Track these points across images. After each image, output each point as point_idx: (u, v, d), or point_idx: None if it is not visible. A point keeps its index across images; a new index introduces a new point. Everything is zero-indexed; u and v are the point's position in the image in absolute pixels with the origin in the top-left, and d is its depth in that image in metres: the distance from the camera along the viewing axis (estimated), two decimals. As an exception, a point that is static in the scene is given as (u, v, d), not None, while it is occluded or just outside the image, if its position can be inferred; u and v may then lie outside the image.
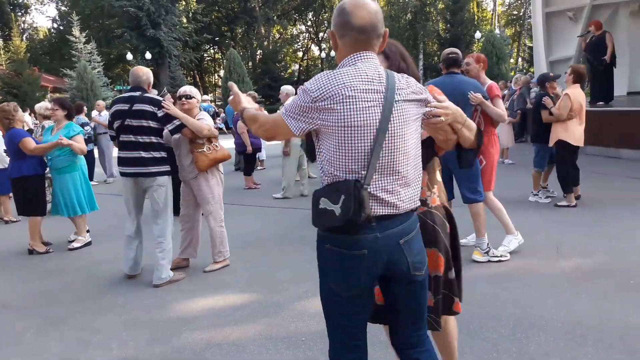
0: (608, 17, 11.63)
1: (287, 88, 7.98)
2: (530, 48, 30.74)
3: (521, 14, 41.38)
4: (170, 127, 4.28)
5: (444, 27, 35.51)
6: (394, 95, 1.73)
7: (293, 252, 5.16)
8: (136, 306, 4.00)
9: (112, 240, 5.91)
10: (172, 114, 4.24)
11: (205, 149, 4.43)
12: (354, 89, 1.69)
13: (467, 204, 4.44)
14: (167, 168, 4.40)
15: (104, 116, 10.66)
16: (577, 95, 5.67)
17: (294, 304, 3.85)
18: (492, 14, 41.70)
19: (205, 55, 47.41)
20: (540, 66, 13.22)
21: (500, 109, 4.38)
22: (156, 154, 4.32)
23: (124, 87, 28.32)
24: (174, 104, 4.79)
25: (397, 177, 1.75)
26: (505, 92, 13.15)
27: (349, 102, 1.68)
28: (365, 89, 1.71)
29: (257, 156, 9.39)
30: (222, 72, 52.77)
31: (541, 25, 12.63)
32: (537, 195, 6.60)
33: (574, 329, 3.14)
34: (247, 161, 8.86)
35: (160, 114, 4.23)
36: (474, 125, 2.00)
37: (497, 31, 25.20)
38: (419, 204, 1.88)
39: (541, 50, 13.03)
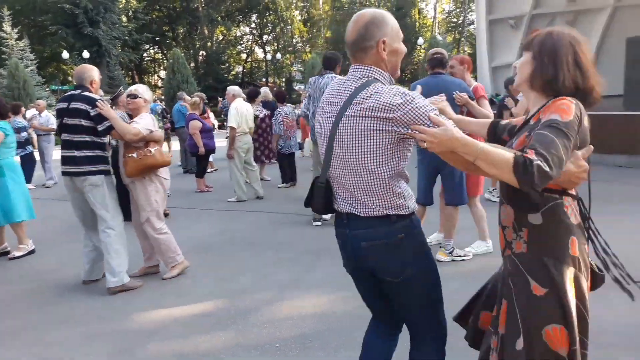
0: (546, 25, 12.16)
1: (233, 89, 7.85)
2: (470, 55, 31.95)
3: (460, 21, 42.91)
4: (100, 127, 4.12)
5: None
6: (346, 110, 1.82)
7: (254, 256, 5.05)
8: (94, 317, 3.77)
9: (58, 246, 5.57)
10: (104, 114, 4.07)
11: (135, 154, 4.18)
12: (324, 101, 1.96)
13: (447, 205, 4.51)
14: (100, 167, 4.17)
15: (45, 117, 10.07)
16: None
17: (263, 310, 3.76)
18: (433, 21, 42.93)
19: (144, 55, 46.04)
20: (483, 72, 13.72)
21: (486, 109, 4.37)
22: (89, 153, 4.14)
23: (60, 87, 26.96)
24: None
25: (346, 185, 1.90)
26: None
27: (320, 111, 2.00)
28: (330, 101, 1.92)
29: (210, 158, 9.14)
30: (162, 73, 51.78)
31: (484, 32, 13.12)
32: (492, 193, 6.80)
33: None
34: (199, 163, 8.61)
35: (93, 113, 4.08)
36: (498, 158, 1.56)
37: (439, 37, 25.88)
38: (388, 212, 1.86)
39: (484, 56, 13.52)
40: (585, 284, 1.74)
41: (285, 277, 4.41)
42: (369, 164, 1.82)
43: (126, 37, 32.70)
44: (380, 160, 1.81)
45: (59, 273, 4.76)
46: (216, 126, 11.62)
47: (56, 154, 10.28)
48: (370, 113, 1.77)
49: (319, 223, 6.07)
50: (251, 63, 51.31)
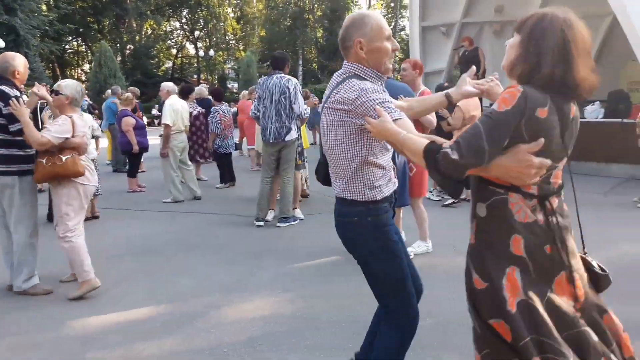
0: (475, 34, 12.77)
1: (168, 85, 7.67)
2: (402, 59, 32.80)
3: (391, 26, 44.00)
4: (12, 128, 3.80)
5: (321, 34, 36.48)
6: (326, 102, 2.10)
7: (194, 258, 4.90)
8: (22, 326, 3.51)
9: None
10: (16, 114, 3.73)
11: (44, 160, 3.83)
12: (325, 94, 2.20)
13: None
14: (14, 168, 3.87)
15: None
16: (468, 105, 6.07)
17: (208, 314, 3.65)
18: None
19: (67, 47, 43.59)
20: (416, 77, 14.10)
21: (430, 115, 4.45)
22: (3, 151, 3.83)
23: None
24: None
25: (330, 167, 2.21)
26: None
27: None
28: (325, 93, 2.17)
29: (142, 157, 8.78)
30: (86, 66, 49.31)
31: (417, 38, 13.49)
32: (432, 192, 7.01)
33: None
34: (131, 162, 8.26)
35: (5, 110, 3.77)
36: (414, 147, 1.72)
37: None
38: (349, 196, 2.11)
39: (417, 62, 13.91)
40: (530, 282, 1.65)
41: (228, 279, 4.32)
42: (337, 151, 2.09)
43: (47, 27, 30.71)
44: (345, 148, 2.05)
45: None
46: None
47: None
48: (336, 106, 2.03)
49: (262, 223, 6.01)
50: (182, 59, 49.93)
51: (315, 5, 36.45)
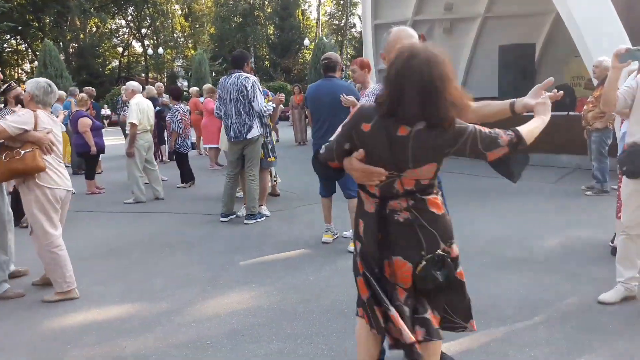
0: (426, 31, 13.19)
1: (132, 84, 7.56)
2: (354, 57, 33.29)
3: (342, 24, 44.46)
4: None
5: (272, 32, 36.42)
6: None
7: (163, 258, 4.92)
8: (5, 328, 3.46)
9: None
10: None
11: (3, 156, 3.72)
12: None
13: (347, 199, 4.78)
14: None
15: None
16: None
17: (186, 309, 3.72)
18: (317, 23, 43.98)
19: (4, 46, 41.58)
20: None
21: None
22: None
23: None
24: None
25: None
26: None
27: None
28: None
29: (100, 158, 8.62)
30: (27, 66, 47.22)
31: (370, 36, 13.78)
32: None
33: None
34: (89, 164, 8.10)
35: None
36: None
37: (325, 40, 26.66)
38: None
39: (371, 59, 14.21)
40: (367, 256, 2.18)
41: (202, 276, 4.38)
42: None
43: (-17, 25, 29.33)
44: None
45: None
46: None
47: None
48: None
49: (226, 219, 6.09)
50: (128, 57, 48.69)
51: (266, 3, 36.33)
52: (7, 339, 3.34)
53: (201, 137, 11.22)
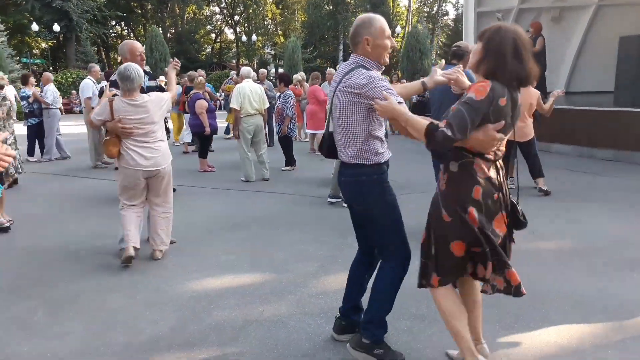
0: (532, 19, 12.65)
1: (242, 70, 8.03)
2: (446, 45, 32.52)
3: (434, 11, 43.48)
4: None
5: (363, 19, 36.24)
6: (338, 86, 2.63)
7: (280, 234, 5.19)
8: (144, 286, 3.86)
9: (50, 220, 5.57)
10: None
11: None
12: (333, 78, 2.78)
13: None
14: None
15: (51, 91, 9.81)
16: (530, 94, 6.29)
17: (311, 282, 3.93)
18: (408, 10, 43.30)
19: (110, 31, 44.67)
20: (469, 62, 14.07)
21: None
22: None
23: (32, 61, 26.00)
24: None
25: (337, 139, 2.74)
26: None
27: (331, 84, 2.76)
28: (334, 79, 2.72)
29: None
30: (130, 50, 50.25)
31: (472, 23, 13.43)
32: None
33: (573, 300, 3.54)
34: (202, 143, 8.63)
35: None
36: (419, 126, 2.33)
37: (420, 27, 26.27)
38: (357, 161, 2.65)
39: (471, 48, 13.86)
40: (483, 217, 2.35)
41: (319, 253, 4.59)
42: (349, 126, 2.61)
43: (96, 12, 31.65)
44: (356, 123, 2.59)
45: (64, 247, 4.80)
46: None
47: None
48: (348, 90, 2.55)
49: (334, 200, 6.32)
50: (220, 44, 50.57)
51: (358, -10, 36.26)
52: (155, 295, 3.72)
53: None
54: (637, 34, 9.51)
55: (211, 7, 49.18)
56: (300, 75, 11.81)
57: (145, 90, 4.40)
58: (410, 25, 39.21)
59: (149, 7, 43.91)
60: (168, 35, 42.10)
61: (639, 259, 4.33)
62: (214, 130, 8.54)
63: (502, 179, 2.42)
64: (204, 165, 8.59)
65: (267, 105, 7.86)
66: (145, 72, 4.56)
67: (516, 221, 2.49)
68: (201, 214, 5.91)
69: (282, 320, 3.30)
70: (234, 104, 7.42)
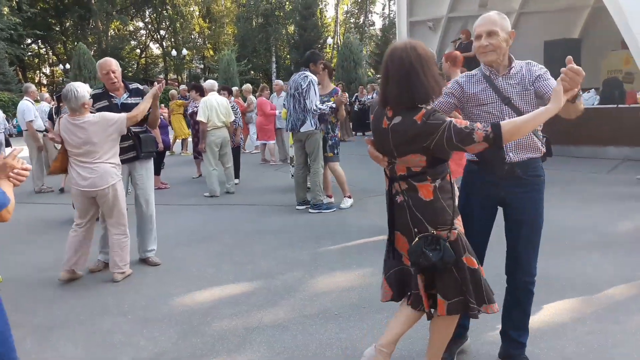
0: (461, 28, 13.40)
1: (206, 84, 8.06)
2: (376, 54, 33.53)
3: (360, 22, 44.69)
4: None
5: (292, 31, 36.74)
6: None
7: (256, 243, 5.23)
8: (132, 305, 3.80)
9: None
10: None
11: None
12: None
13: None
14: None
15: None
16: None
17: (301, 287, 4.02)
18: (335, 22, 44.21)
19: (27, 50, 42.46)
20: (404, 70, 14.68)
21: None
22: None
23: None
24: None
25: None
26: (375, 94, 14.45)
27: None
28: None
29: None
30: (47, 70, 48.01)
31: (405, 33, 14.01)
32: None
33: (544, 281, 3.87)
34: (155, 160, 8.40)
35: None
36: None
37: (351, 38, 26.96)
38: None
39: (405, 56, 14.46)
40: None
41: (301, 258, 4.67)
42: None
43: (11, 31, 30.01)
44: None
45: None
46: None
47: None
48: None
49: (302, 207, 6.49)
50: (146, 59, 49.39)
51: (286, 2, 36.62)
52: (148, 313, 3.66)
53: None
54: (560, 38, 10.37)
55: (135, 22, 47.98)
56: (247, 87, 11.84)
57: (119, 108, 4.39)
58: (338, 36, 40.14)
59: (68, 24, 42.20)
60: (92, 52, 40.63)
61: (595, 242, 4.77)
62: (167, 146, 8.40)
63: (399, 201, 2.35)
64: (157, 182, 8.40)
65: (233, 118, 7.89)
66: (128, 89, 4.52)
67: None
68: (171, 229, 5.83)
69: (283, 325, 3.37)
70: (201, 117, 7.41)
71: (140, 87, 4.78)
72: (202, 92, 8.67)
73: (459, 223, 2.36)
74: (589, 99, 9.89)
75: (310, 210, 6.39)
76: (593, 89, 10.24)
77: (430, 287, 2.33)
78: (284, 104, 6.58)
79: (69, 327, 3.48)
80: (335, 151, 6.63)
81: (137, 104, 4.42)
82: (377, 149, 2.38)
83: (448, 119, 2.18)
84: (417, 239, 2.26)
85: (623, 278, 3.86)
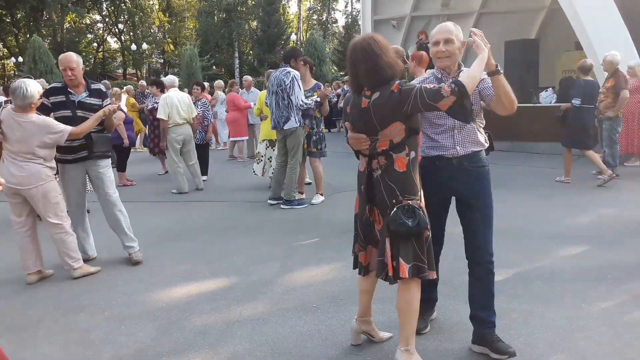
0: (423, 26, 13.70)
1: (166, 80, 7.87)
2: (339, 52, 33.73)
3: (323, 19, 44.80)
4: None
5: (255, 27, 36.51)
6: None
7: (230, 240, 5.24)
8: (107, 303, 3.77)
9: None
10: None
11: None
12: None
13: None
14: None
15: None
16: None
17: (278, 280, 4.08)
18: (298, 18, 44.17)
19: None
20: (369, 67, 14.89)
21: None
22: None
23: None
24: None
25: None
26: (340, 91, 14.61)
27: None
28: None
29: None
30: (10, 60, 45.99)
31: (370, 31, 14.21)
32: None
33: (511, 273, 4.06)
34: (121, 156, 8.31)
35: None
36: None
37: (315, 35, 27.03)
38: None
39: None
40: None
41: (275, 253, 4.72)
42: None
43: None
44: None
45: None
46: None
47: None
48: None
49: (274, 202, 6.54)
50: (103, 53, 48.04)
51: (249, -2, 36.37)
52: (122, 310, 3.65)
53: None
54: (519, 38, 10.74)
55: (91, 15, 46.56)
56: (219, 83, 11.75)
57: (76, 105, 4.32)
58: (301, 33, 40.15)
59: (19, 15, 40.59)
60: (46, 45, 39.21)
61: (553, 233, 5.02)
62: (132, 142, 8.27)
63: (375, 176, 2.64)
64: (123, 179, 8.29)
65: (195, 114, 7.78)
66: (89, 88, 4.43)
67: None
68: (140, 227, 5.73)
69: (263, 318, 3.42)
70: (161, 114, 7.30)
71: (103, 89, 4.68)
72: (162, 88, 8.61)
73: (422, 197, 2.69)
74: (547, 98, 10.30)
75: (282, 206, 6.44)
76: (550, 88, 10.68)
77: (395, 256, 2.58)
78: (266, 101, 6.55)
79: (44, 327, 3.42)
80: (319, 147, 6.61)
81: (95, 104, 4.37)
82: (358, 131, 2.65)
83: (417, 84, 2.55)
84: (395, 208, 2.54)
85: (584, 267, 4.10)
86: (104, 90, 4.68)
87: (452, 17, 13.97)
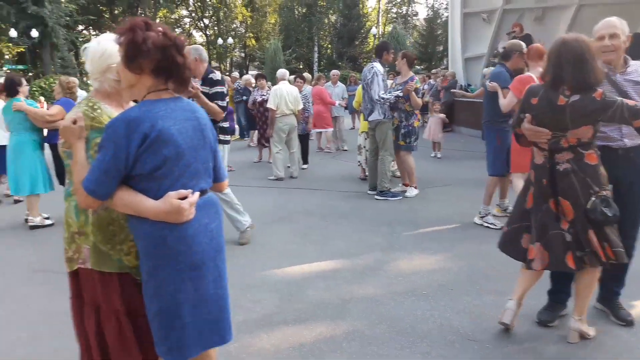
0: (516, 20, 13.27)
1: (279, 72, 8.37)
2: (421, 45, 33.35)
3: (403, 12, 44.26)
4: None
5: (335, 21, 36.75)
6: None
7: (331, 225, 5.48)
8: (233, 274, 4.03)
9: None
10: None
11: None
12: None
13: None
14: None
15: None
16: None
17: (384, 267, 4.24)
18: (378, 12, 43.96)
19: (78, 36, 43.85)
20: (456, 63, 14.67)
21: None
22: None
23: (14, 67, 25.38)
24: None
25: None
26: (426, 86, 14.47)
27: None
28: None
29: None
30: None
31: (459, 24, 14.00)
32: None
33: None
34: (221, 144, 8.83)
35: None
36: None
37: (398, 28, 26.91)
38: None
39: (458, 48, 14.46)
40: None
41: (376, 241, 4.89)
42: None
43: (68, 18, 31.09)
44: None
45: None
46: None
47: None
48: None
49: (373, 192, 6.74)
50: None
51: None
52: (247, 278, 3.98)
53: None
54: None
55: (179, 11, 48.85)
56: (307, 76, 12.11)
57: None
58: (380, 26, 39.89)
59: (116, 12, 43.28)
60: (138, 39, 41.51)
61: None
62: (232, 130, 8.78)
63: (562, 169, 2.78)
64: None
65: (301, 106, 8.23)
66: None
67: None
68: (248, 209, 6.13)
69: (376, 299, 3.60)
70: (271, 104, 7.80)
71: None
72: (265, 80, 9.44)
73: None
74: None
75: (376, 197, 6.61)
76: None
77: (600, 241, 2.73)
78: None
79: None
80: (408, 140, 6.66)
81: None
82: (541, 125, 2.77)
83: (619, 98, 2.65)
84: (593, 198, 2.69)
85: None
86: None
87: (547, 9, 13.50)
